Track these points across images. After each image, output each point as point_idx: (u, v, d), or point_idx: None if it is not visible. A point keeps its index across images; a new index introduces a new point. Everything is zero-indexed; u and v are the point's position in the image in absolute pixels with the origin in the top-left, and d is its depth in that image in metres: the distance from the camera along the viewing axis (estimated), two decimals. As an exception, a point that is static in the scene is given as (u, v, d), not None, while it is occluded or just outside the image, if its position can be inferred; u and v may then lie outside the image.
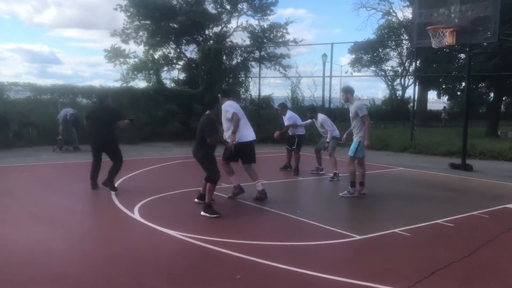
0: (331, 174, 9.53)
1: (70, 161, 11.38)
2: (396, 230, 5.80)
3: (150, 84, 21.22)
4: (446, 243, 5.46)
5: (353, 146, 7.79)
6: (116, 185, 7.97)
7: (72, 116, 13.50)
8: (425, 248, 5.26)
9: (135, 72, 26.77)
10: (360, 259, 4.87)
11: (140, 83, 25.88)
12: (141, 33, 25.65)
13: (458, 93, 25.65)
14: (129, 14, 24.86)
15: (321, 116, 10.05)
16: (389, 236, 5.63)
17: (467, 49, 11.85)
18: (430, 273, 4.40)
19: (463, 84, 23.20)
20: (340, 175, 9.41)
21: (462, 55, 21.90)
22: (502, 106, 28.39)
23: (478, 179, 10.10)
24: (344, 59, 57.89)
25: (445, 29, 9.18)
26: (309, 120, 10.30)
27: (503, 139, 20.59)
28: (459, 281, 4.29)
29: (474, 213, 6.83)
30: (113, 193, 7.55)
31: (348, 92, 7.90)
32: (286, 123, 10.32)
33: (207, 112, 6.66)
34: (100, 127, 7.80)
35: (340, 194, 7.81)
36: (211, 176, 6.47)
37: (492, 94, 25.46)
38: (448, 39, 9.16)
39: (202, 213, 6.29)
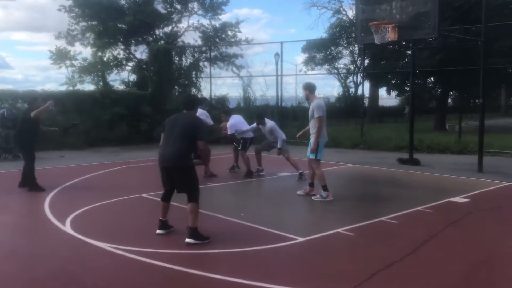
0: (297, 174, 9.43)
1: (4, 170, 10.72)
2: (339, 230, 5.67)
3: (98, 87, 20.56)
4: (389, 241, 5.37)
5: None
6: (51, 194, 7.53)
7: (9, 115, 12.88)
8: (367, 247, 5.16)
9: (82, 75, 25.88)
10: (301, 263, 4.69)
11: (88, 86, 25.00)
12: (87, 34, 24.85)
13: (407, 88, 26.17)
14: (73, 15, 24.01)
15: (269, 123, 9.81)
16: (332, 236, 5.50)
17: (411, 44, 12.04)
18: (371, 274, 4.27)
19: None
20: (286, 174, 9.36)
21: (410, 51, 22.36)
22: (449, 100, 29.19)
23: (424, 173, 10.21)
24: (299, 58, 58.45)
25: (387, 25, 9.20)
26: (254, 125, 9.98)
27: (451, 132, 21.15)
28: (399, 282, 4.18)
29: (419, 208, 6.82)
30: (46, 204, 7.08)
31: (307, 88, 7.51)
32: (228, 132, 9.86)
33: (189, 111, 5.55)
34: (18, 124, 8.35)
35: (312, 198, 7.42)
36: (197, 194, 5.27)
37: (439, 89, 26.18)
38: (390, 35, 9.19)
39: (189, 240, 5.09)
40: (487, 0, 10.25)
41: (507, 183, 8.81)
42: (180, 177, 5.27)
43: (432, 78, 24.53)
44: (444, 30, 10.65)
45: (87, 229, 5.72)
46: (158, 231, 5.47)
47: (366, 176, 10.01)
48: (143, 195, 7.73)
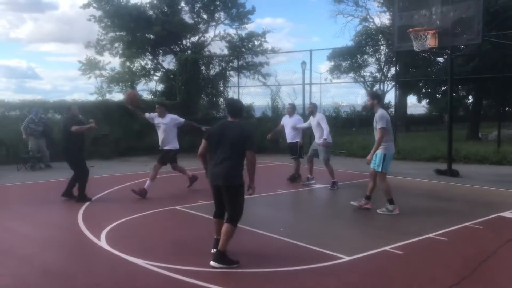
0: (330, 183, 9.42)
1: (38, 180, 10.69)
2: (387, 248, 5.33)
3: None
4: (442, 261, 5.00)
5: (378, 160, 7.05)
6: (84, 206, 7.42)
7: (40, 119, 13.03)
8: (420, 268, 4.80)
9: (111, 85, 26.08)
10: (348, 284, 4.38)
11: (117, 96, 25.17)
12: (116, 44, 25.06)
13: (438, 96, 25.58)
14: (103, 25, 24.25)
15: (319, 114, 9.77)
16: (380, 255, 5.16)
17: (448, 51, 11.62)
18: (429, 299, 3.94)
19: (443, 87, 23.15)
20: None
21: (441, 59, 21.84)
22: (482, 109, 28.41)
23: (465, 185, 9.76)
24: (324, 66, 57.98)
25: (427, 31, 8.84)
26: (307, 122, 10.16)
27: (484, 141, 20.49)
28: (461, 308, 3.84)
29: (467, 224, 6.42)
30: (80, 216, 6.95)
31: (375, 98, 7.20)
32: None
33: (235, 119, 5.00)
34: (63, 137, 8.19)
35: (378, 211, 7.16)
36: (238, 216, 4.89)
37: (471, 97, 25.50)
38: (430, 42, 8.83)
39: (214, 264, 4.70)
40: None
41: (558, 197, 8.31)
42: (226, 194, 4.86)
43: (461, 86, 23.89)
44: (485, 36, 10.20)
45: (123, 244, 5.53)
46: (213, 250, 4.98)
47: (406, 188, 9.61)
48: (176, 207, 7.55)
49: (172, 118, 9.00)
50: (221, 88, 19.61)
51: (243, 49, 25.73)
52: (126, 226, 6.50)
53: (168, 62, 25.74)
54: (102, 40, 24.91)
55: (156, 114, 9.00)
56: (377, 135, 6.98)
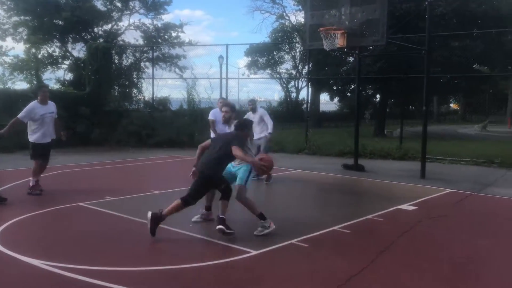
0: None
1: None
2: (293, 241, 5.46)
3: (31, 86, 19.26)
4: (344, 253, 5.22)
5: (243, 173, 5.93)
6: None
7: None
8: (323, 259, 4.97)
9: (14, 73, 24.25)
10: (254, 279, 4.41)
11: (21, 85, 23.48)
12: (20, 29, 23.39)
13: (348, 94, 26.77)
14: (5, 7, 22.52)
15: (260, 109, 9.77)
16: (286, 248, 5.27)
17: (357, 51, 12.16)
18: (330, 290, 4.08)
19: (353, 86, 24.26)
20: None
21: (351, 58, 22.83)
22: (387, 107, 30.16)
23: (370, 180, 10.27)
24: (241, 61, 58.40)
25: (336, 31, 9.17)
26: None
27: (389, 138, 21.76)
28: (359, 298, 4.02)
29: (369, 216, 6.75)
30: (-30, 214, 6.38)
31: (234, 110, 6.74)
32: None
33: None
34: None
35: (254, 233, 5.75)
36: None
37: (378, 96, 26.97)
38: (340, 41, 9.17)
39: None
40: (430, 12, 10.51)
41: (449, 190, 9.01)
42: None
43: (370, 85, 25.18)
44: (390, 38, 10.79)
45: (17, 243, 5.16)
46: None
47: (315, 182, 9.93)
48: (81, 204, 7.17)
49: (54, 105, 8.02)
50: (135, 79, 18.99)
51: (159, 40, 25.15)
52: (23, 224, 6.06)
53: (78, 50, 24.56)
54: (4, 24, 23.15)
55: (36, 104, 7.73)
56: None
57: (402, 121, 16.49)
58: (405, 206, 7.51)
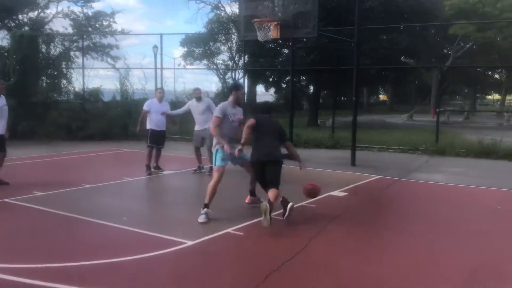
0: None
1: None
2: (229, 230, 5.54)
3: None
4: (278, 239, 5.37)
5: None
6: None
7: None
8: (258, 246, 5.10)
9: None
10: (189, 270, 4.44)
11: None
12: None
13: (283, 85, 27.14)
14: None
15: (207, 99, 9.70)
16: (222, 237, 5.34)
17: (290, 43, 12.38)
18: (265, 276, 4.19)
19: (287, 77, 24.64)
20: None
21: (286, 50, 23.15)
22: (320, 98, 30.91)
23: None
24: (177, 52, 57.47)
25: (269, 23, 9.28)
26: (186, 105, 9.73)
27: (323, 128, 22.39)
28: (292, 283, 4.15)
29: (303, 203, 6.97)
30: None
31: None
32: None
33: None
34: None
35: (198, 220, 5.93)
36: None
37: (312, 87, 27.58)
38: (273, 33, 9.28)
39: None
40: (359, 5, 10.89)
41: (378, 176, 9.47)
42: (277, 169, 6.29)
43: (304, 77, 25.69)
44: (321, 31, 11.09)
45: None
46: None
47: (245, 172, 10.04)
48: (6, 200, 6.84)
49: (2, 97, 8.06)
50: (64, 70, 18.17)
51: (89, 29, 24.24)
52: None
53: (1, 38, 23.08)
54: None
55: None
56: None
57: (334, 111, 17.03)
58: (336, 193, 7.82)
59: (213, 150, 6.43)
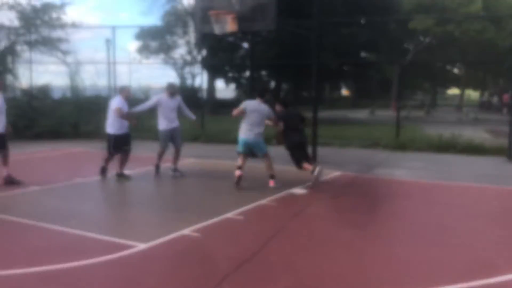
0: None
1: None
2: (185, 231, 5.24)
3: None
4: (236, 239, 5.13)
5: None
6: None
7: None
8: (215, 248, 4.83)
9: None
10: (142, 275, 4.12)
11: None
12: None
13: (243, 81, 26.91)
14: None
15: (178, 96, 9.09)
16: (177, 239, 5.03)
17: (249, 37, 12.13)
18: (221, 279, 3.94)
19: (247, 72, 24.43)
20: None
21: (245, 45, 22.90)
22: (281, 93, 30.87)
23: (263, 165, 10.30)
24: (132, 45, 56.04)
25: (227, 15, 8.99)
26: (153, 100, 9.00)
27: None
28: (250, 284, 3.92)
29: (262, 201, 6.74)
30: None
31: None
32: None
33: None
34: None
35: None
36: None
37: (273, 82, 27.46)
38: (231, 26, 9.01)
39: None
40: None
41: (339, 173, 9.35)
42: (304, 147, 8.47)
43: (265, 71, 25.53)
44: (280, 24, 10.89)
45: None
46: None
47: (208, 170, 9.75)
48: None
49: None
50: (10, 65, 17.25)
51: (38, 22, 23.13)
52: None
53: None
54: None
55: None
56: None
57: (296, 107, 16.88)
58: (297, 190, 7.63)
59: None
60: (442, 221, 5.99)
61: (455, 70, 43.49)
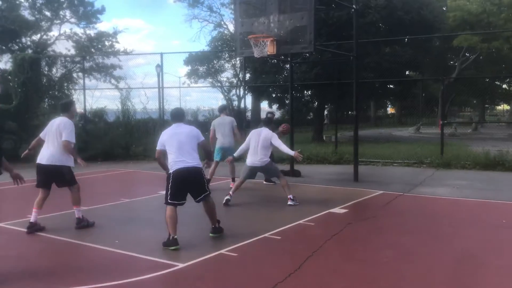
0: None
1: None
2: (222, 251, 5.37)
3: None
4: (272, 260, 5.19)
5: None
6: None
7: None
8: (251, 268, 4.92)
9: None
10: (180, 293, 4.28)
11: None
12: None
13: (286, 101, 27.01)
14: None
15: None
16: (215, 259, 5.17)
17: (289, 59, 12.31)
18: (255, 299, 4.02)
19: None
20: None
21: (288, 66, 23.09)
22: (326, 112, 30.75)
23: (305, 185, 10.38)
24: (182, 70, 57.87)
25: (265, 39, 9.21)
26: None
27: (328, 143, 22.20)
28: (283, 305, 3.98)
29: (301, 221, 6.78)
30: None
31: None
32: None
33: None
34: None
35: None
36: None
37: (316, 102, 27.39)
38: (269, 49, 9.21)
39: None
40: (356, 19, 10.81)
41: (380, 192, 9.25)
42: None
43: (309, 91, 25.57)
44: (319, 45, 11.01)
45: None
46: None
47: (248, 189, 9.88)
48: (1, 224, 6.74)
49: None
50: (66, 91, 18.25)
51: (92, 50, 24.43)
52: None
53: (5, 62, 23.38)
54: None
55: None
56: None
57: (337, 125, 16.89)
58: (336, 210, 7.62)
59: None
60: (488, 243, 5.82)
61: (504, 85, 41.87)
